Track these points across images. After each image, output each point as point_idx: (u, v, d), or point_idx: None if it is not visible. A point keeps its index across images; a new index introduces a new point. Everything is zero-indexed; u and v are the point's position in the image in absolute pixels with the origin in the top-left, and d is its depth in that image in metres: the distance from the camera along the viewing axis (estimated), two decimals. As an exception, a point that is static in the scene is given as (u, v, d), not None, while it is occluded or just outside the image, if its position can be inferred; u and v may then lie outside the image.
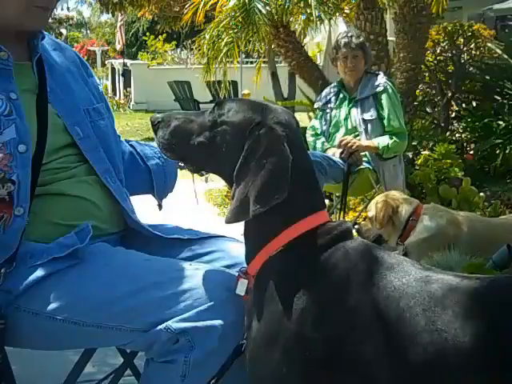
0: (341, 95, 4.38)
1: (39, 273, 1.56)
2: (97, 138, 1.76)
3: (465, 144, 6.66)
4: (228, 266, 1.73)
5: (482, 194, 5.18)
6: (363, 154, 4.17)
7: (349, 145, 4.01)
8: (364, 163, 4.19)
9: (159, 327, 1.50)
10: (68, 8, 34.25)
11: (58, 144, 1.68)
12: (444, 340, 1.23)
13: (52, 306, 1.55)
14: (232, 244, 1.83)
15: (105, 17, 26.68)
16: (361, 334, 1.29)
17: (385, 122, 4.18)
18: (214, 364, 1.50)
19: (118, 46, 19.44)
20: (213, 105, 1.51)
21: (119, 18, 17.21)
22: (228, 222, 1.39)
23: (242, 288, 1.48)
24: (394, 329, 1.27)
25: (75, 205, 1.66)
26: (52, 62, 1.77)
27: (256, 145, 1.39)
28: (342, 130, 4.29)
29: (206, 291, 1.52)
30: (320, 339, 1.31)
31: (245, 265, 1.50)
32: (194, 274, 1.58)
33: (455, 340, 1.23)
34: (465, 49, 7.24)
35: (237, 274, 1.51)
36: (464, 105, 7.25)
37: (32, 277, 1.55)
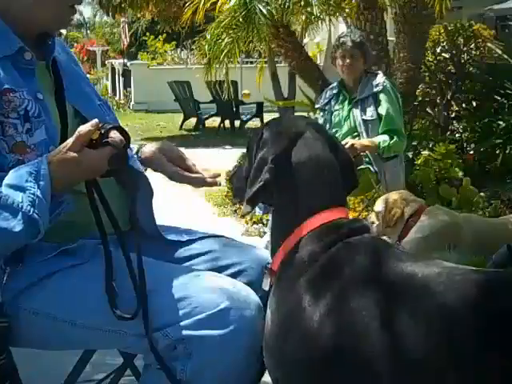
0: (341, 95, 4.38)
1: (42, 271, 1.56)
2: None
3: (465, 144, 6.65)
4: (226, 266, 1.72)
5: (482, 193, 5.18)
6: (364, 154, 4.17)
7: (350, 148, 4.01)
8: (364, 163, 4.19)
9: (157, 333, 1.49)
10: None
11: None
12: (452, 331, 1.26)
13: (52, 306, 1.55)
14: (230, 244, 1.83)
15: (105, 17, 26.65)
16: (367, 327, 1.31)
17: (383, 120, 4.18)
18: (213, 374, 1.48)
19: (125, 45, 19.40)
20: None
21: (122, 19, 17.23)
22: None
23: (266, 282, 1.54)
24: (403, 322, 1.29)
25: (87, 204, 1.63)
26: (60, 60, 1.77)
27: (257, 145, 1.53)
28: (343, 131, 4.30)
29: (206, 299, 1.51)
30: (325, 332, 1.34)
31: (243, 265, 1.53)
32: (194, 280, 1.57)
33: (462, 331, 1.25)
34: (465, 49, 7.23)
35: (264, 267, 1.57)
36: (464, 105, 7.24)
37: (35, 275, 1.55)
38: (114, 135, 1.54)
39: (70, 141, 1.51)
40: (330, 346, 1.33)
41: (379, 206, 3.62)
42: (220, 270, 1.72)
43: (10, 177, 1.46)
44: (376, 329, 1.30)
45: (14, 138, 1.54)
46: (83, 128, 1.51)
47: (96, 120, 1.55)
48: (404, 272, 1.35)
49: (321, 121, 4.42)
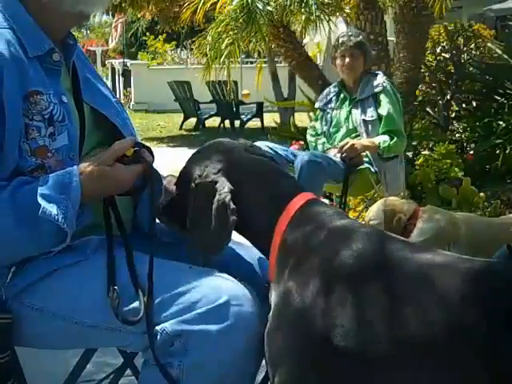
0: (341, 95, 4.38)
1: (44, 268, 1.56)
2: (130, 127, 1.81)
3: (465, 144, 6.65)
4: (223, 264, 1.72)
5: (482, 193, 5.18)
6: (364, 154, 4.17)
7: (350, 148, 4.00)
8: (364, 163, 4.19)
9: (155, 328, 1.50)
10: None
11: (89, 146, 1.67)
12: (431, 318, 1.26)
13: (54, 303, 1.56)
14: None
15: (105, 17, 26.68)
16: (351, 310, 1.33)
17: (384, 120, 4.17)
18: (210, 370, 1.49)
19: (112, 44, 19.42)
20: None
21: (115, 18, 17.22)
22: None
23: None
24: (398, 308, 1.30)
25: (98, 207, 1.63)
26: (75, 59, 1.75)
27: (194, 199, 1.57)
28: (343, 131, 4.29)
29: (204, 294, 1.52)
30: (317, 315, 1.36)
31: (240, 262, 1.66)
32: (193, 276, 1.58)
33: (444, 318, 1.26)
34: (465, 49, 7.23)
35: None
36: (464, 105, 7.24)
37: (37, 272, 1.56)
38: (146, 156, 1.59)
39: (104, 154, 1.54)
40: (324, 334, 1.35)
41: (376, 216, 3.55)
42: (218, 267, 1.72)
43: (44, 187, 1.48)
44: (371, 315, 1.31)
45: (36, 141, 1.53)
46: (119, 144, 1.55)
47: (132, 137, 1.60)
48: (397, 256, 1.37)
49: (321, 121, 4.43)
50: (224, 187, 1.54)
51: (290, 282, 1.43)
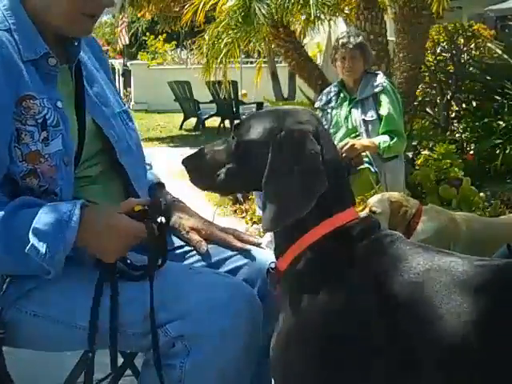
0: (341, 95, 4.38)
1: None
2: (130, 140, 1.75)
3: (465, 144, 6.65)
4: (224, 264, 1.72)
5: (481, 194, 5.18)
6: (364, 154, 4.17)
7: (350, 148, 4.00)
8: (364, 163, 4.19)
9: (157, 330, 1.49)
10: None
11: (90, 153, 1.65)
12: (468, 323, 1.24)
13: (53, 308, 1.55)
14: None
15: (105, 17, 26.68)
16: (381, 331, 1.29)
17: (384, 121, 4.17)
18: (212, 371, 1.49)
19: (120, 44, 19.42)
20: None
21: (121, 21, 17.22)
22: (267, 230, 1.40)
23: (272, 282, 1.48)
24: (421, 317, 1.28)
25: None
26: (85, 62, 1.72)
27: (279, 149, 1.38)
28: (343, 130, 4.30)
29: (205, 296, 1.52)
30: (337, 338, 1.31)
31: (241, 262, 1.59)
32: (194, 277, 1.58)
33: (479, 323, 1.23)
34: (465, 49, 7.24)
35: (269, 268, 1.51)
36: (464, 105, 7.25)
37: (33, 279, 1.54)
38: (156, 216, 1.54)
39: (109, 206, 1.55)
40: (340, 353, 1.31)
41: (379, 206, 3.56)
42: (218, 267, 1.72)
43: (41, 221, 1.45)
44: (395, 337, 1.28)
45: (28, 146, 1.51)
46: (125, 204, 1.54)
47: (142, 199, 1.58)
48: (428, 265, 1.33)
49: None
50: (315, 143, 1.36)
51: (320, 296, 1.34)
